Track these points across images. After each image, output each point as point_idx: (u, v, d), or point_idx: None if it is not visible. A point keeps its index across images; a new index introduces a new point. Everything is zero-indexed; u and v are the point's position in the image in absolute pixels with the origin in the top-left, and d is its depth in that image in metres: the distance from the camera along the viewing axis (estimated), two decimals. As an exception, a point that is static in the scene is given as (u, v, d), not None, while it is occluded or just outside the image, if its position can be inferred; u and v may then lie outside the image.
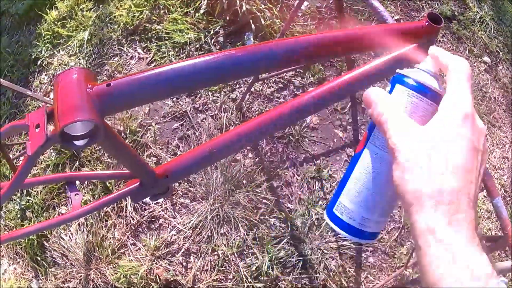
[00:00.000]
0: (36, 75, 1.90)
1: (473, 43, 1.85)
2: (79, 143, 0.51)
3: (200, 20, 1.79)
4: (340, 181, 0.49)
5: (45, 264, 1.71)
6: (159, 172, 0.82)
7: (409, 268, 1.57)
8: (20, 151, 1.84)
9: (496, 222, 1.74)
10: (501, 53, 1.88)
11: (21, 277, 1.77)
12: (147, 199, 1.62)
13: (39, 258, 1.72)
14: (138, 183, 0.88)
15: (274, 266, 1.52)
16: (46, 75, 1.89)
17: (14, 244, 1.79)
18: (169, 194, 0.96)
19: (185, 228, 1.55)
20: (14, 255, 1.81)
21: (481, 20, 1.90)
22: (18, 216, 1.80)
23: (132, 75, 0.56)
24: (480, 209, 1.73)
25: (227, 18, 1.77)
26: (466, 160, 0.38)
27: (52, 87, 1.86)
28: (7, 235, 0.95)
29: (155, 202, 1.59)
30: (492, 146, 1.79)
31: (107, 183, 1.63)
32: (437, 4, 1.88)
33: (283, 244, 1.54)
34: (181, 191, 1.59)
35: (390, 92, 0.45)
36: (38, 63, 1.91)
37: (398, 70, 0.46)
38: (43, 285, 1.74)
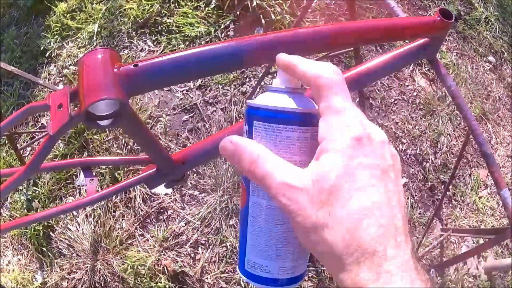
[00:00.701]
0: (44, 67, 1.90)
1: (478, 43, 1.87)
2: (103, 123, 0.51)
3: (210, 14, 1.80)
4: (240, 236, 0.40)
5: (51, 255, 1.70)
6: (176, 158, 0.82)
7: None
8: (27, 142, 1.83)
9: (500, 220, 1.76)
10: (505, 53, 1.90)
11: (25, 268, 1.76)
12: (158, 189, 1.63)
13: (44, 249, 1.71)
14: (155, 169, 0.88)
15: (282, 258, 1.52)
16: (55, 66, 1.89)
17: (19, 234, 1.78)
18: (184, 181, 0.96)
19: (194, 219, 1.55)
20: (19, 246, 1.80)
21: (487, 20, 1.93)
22: (24, 206, 1.79)
23: (159, 56, 0.56)
24: (484, 206, 1.74)
25: (237, 13, 1.78)
26: (376, 195, 0.31)
27: (61, 78, 1.86)
28: (16, 221, 0.94)
29: (164, 193, 1.59)
30: (496, 144, 1.81)
31: (116, 173, 1.63)
32: (444, 4, 1.91)
33: (291, 236, 1.54)
34: (191, 183, 1.60)
35: (250, 134, 0.35)
36: (47, 55, 1.91)
37: (248, 102, 0.35)
38: (47, 276, 1.73)
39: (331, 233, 0.30)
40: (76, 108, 0.51)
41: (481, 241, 1.65)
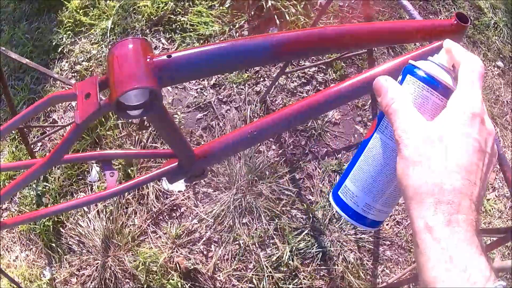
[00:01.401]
0: (56, 62, 1.90)
1: (487, 48, 1.91)
2: (133, 113, 0.51)
3: (224, 14, 1.81)
4: (348, 164, 0.48)
5: (60, 251, 1.70)
6: (198, 153, 0.82)
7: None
8: (37, 137, 1.82)
9: (507, 222, 1.78)
10: (513, 58, 1.94)
11: (33, 264, 1.75)
12: (172, 186, 1.63)
13: (54, 245, 1.70)
14: (176, 163, 0.88)
15: (294, 257, 1.53)
16: (67, 62, 1.88)
17: (28, 230, 1.77)
18: (204, 176, 0.96)
19: (207, 216, 1.55)
20: (27, 242, 1.79)
21: (495, 26, 1.96)
22: (34, 202, 1.78)
23: (192, 48, 0.56)
24: (492, 209, 1.77)
25: (252, 13, 1.80)
26: (470, 160, 0.37)
27: (73, 74, 1.86)
28: (35, 213, 0.93)
29: (178, 190, 1.59)
30: (504, 148, 1.83)
31: (129, 170, 1.63)
32: (454, 9, 1.94)
33: (303, 235, 1.55)
34: (204, 181, 1.60)
35: (401, 82, 0.44)
36: (59, 50, 1.90)
37: (410, 61, 0.45)
38: (56, 272, 1.72)
39: (424, 171, 0.37)
40: (103, 98, 0.51)
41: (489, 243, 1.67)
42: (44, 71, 1.45)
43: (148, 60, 0.51)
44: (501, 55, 1.91)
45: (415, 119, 0.39)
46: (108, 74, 0.50)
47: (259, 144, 1.59)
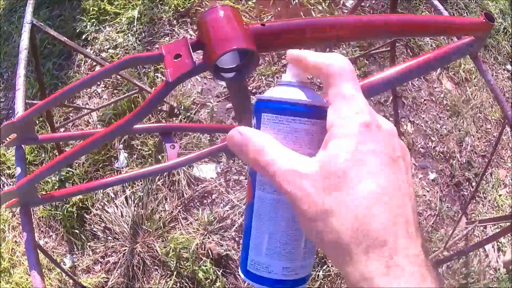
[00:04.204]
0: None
1: (497, 52, 2.07)
2: (227, 75, 0.54)
3: (251, 9, 1.91)
4: (243, 235, 0.41)
5: (83, 238, 1.73)
6: None
7: (445, 250, 1.71)
8: (60, 122, 1.85)
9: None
10: (521, 63, 2.10)
11: (53, 252, 1.77)
12: (204, 173, 1.69)
13: (77, 231, 1.73)
14: None
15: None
16: (91, 49, 1.93)
17: (48, 216, 1.79)
18: None
19: (239, 203, 1.62)
20: (47, 228, 1.81)
21: (505, 31, 2.13)
22: (56, 188, 1.80)
23: (284, 20, 0.64)
24: (504, 204, 1.91)
25: (278, 9, 1.89)
26: (387, 180, 0.31)
27: (99, 64, 1.89)
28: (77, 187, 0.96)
29: (210, 177, 1.66)
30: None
31: (160, 156, 1.69)
32: (466, 13, 2.09)
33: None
34: (235, 168, 1.68)
35: (258, 126, 0.37)
36: (83, 38, 1.95)
37: (257, 96, 0.38)
38: (78, 260, 1.74)
39: (338, 220, 0.30)
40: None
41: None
42: (82, 50, 1.51)
43: (244, 26, 0.55)
44: (510, 59, 2.07)
45: (297, 164, 0.32)
46: (200, 37, 0.53)
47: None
